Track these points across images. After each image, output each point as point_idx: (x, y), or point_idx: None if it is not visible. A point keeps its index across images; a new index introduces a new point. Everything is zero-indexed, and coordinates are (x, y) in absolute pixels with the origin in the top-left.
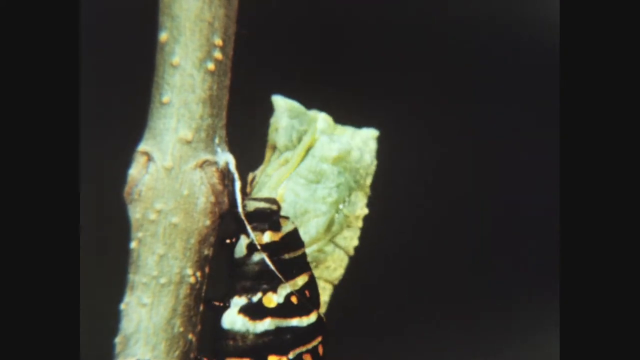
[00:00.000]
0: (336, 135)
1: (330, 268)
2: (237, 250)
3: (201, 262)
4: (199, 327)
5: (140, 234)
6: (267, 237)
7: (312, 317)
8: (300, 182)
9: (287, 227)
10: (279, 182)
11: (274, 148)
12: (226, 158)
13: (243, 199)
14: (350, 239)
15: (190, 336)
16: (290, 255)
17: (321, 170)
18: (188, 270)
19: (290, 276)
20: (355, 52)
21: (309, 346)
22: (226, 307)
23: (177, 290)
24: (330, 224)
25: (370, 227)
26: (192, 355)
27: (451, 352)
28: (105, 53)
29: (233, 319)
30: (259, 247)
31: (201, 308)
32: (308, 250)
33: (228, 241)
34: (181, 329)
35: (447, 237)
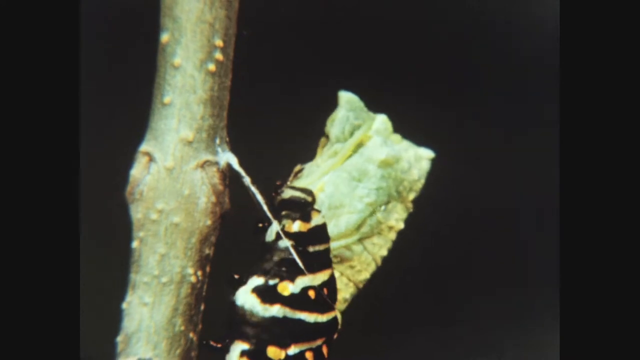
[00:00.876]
0: (391, 141)
1: (355, 268)
2: (268, 234)
3: (202, 262)
4: (199, 326)
5: (141, 234)
6: (297, 226)
7: (324, 317)
8: (343, 177)
9: (316, 220)
10: (325, 172)
11: (327, 139)
12: (227, 158)
13: (264, 192)
14: (380, 247)
15: (191, 335)
16: (314, 248)
17: (365, 169)
18: (189, 269)
19: (311, 269)
20: (355, 52)
21: (313, 344)
22: (243, 282)
23: (178, 290)
24: (361, 223)
25: None
26: (193, 354)
27: (451, 351)
28: (106, 54)
29: (245, 296)
30: (283, 236)
31: (202, 307)
32: (335, 244)
33: (260, 225)
34: (182, 328)
35: (447, 237)
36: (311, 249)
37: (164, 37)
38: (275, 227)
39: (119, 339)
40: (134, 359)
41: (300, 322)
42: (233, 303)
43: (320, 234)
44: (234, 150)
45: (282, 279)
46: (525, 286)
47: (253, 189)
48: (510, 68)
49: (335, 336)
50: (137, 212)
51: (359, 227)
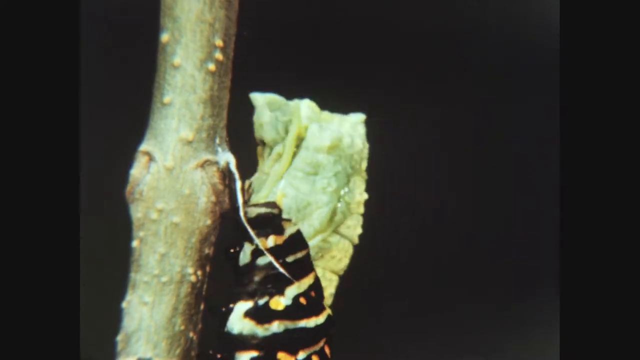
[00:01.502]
0: (325, 122)
1: (336, 258)
2: (242, 258)
3: (202, 261)
4: (199, 326)
5: (141, 233)
6: (271, 241)
7: (320, 318)
8: (299, 176)
9: (290, 230)
10: (278, 178)
11: (264, 145)
12: (227, 158)
13: (244, 202)
14: (354, 227)
15: (191, 334)
16: (294, 257)
17: (317, 161)
18: (189, 269)
19: (296, 277)
20: (355, 52)
21: (317, 347)
22: (229, 311)
23: (178, 289)
24: (333, 213)
25: (366, 218)
26: (193, 353)
27: (451, 351)
28: (106, 54)
29: (240, 323)
30: (265, 252)
31: (202, 307)
32: (313, 242)
33: (232, 250)
34: (182, 327)
35: (447, 237)
36: (291, 258)
37: (164, 37)
38: (247, 248)
39: (119, 338)
40: (133, 358)
41: (303, 329)
42: (229, 334)
43: (296, 241)
44: (234, 150)
45: (271, 296)
46: (525, 286)
47: (239, 196)
48: (510, 68)
49: (332, 335)
50: (137, 212)
51: (332, 217)
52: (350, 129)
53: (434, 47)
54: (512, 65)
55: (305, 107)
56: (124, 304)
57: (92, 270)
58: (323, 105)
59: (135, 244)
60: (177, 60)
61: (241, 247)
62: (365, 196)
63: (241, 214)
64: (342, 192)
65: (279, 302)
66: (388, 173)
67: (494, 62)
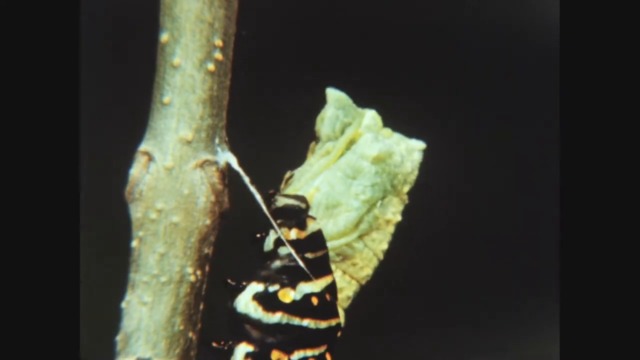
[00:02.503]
0: (382, 136)
1: (357, 266)
2: (265, 244)
3: (201, 261)
4: (199, 326)
5: (141, 233)
6: (294, 234)
7: (325, 324)
8: (338, 175)
9: (312, 227)
10: (319, 172)
11: (318, 141)
12: (227, 157)
13: (262, 194)
14: (379, 242)
15: (190, 334)
16: (313, 255)
17: (359, 166)
18: (188, 269)
19: (312, 276)
20: (355, 51)
21: (316, 351)
22: (241, 288)
23: (178, 289)
24: (360, 221)
25: None
26: (192, 353)
27: (451, 351)
28: (106, 54)
29: (247, 303)
30: (282, 243)
31: (201, 307)
32: (336, 243)
33: (258, 235)
34: (181, 327)
35: (447, 237)
36: (309, 255)
37: (163, 37)
38: (272, 236)
39: (118, 338)
40: (133, 358)
41: (303, 328)
42: (234, 309)
43: (317, 240)
44: (233, 149)
45: (282, 286)
46: (525, 286)
47: (252, 188)
48: (510, 68)
49: (338, 334)
50: (136, 212)
51: (357, 224)
52: (405, 151)
53: (433, 47)
54: (512, 65)
55: (370, 117)
56: (123, 304)
57: (92, 270)
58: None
59: (134, 243)
60: (176, 60)
61: (267, 233)
62: (399, 218)
63: (259, 200)
64: (374, 204)
65: (288, 295)
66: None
67: (493, 62)
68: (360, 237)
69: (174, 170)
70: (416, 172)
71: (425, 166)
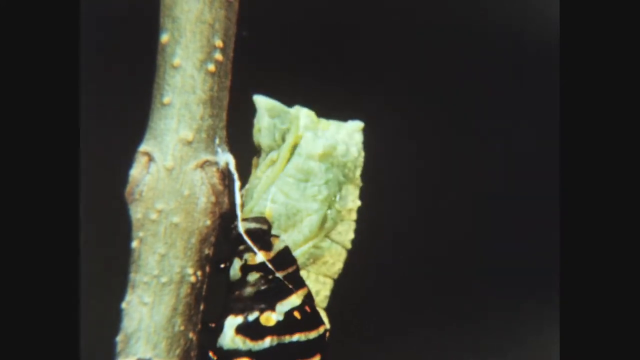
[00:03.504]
0: (320, 130)
1: (328, 263)
2: (232, 274)
3: (202, 262)
4: (199, 326)
5: (141, 234)
6: (260, 257)
7: (315, 333)
8: (289, 182)
9: (278, 245)
10: (268, 183)
11: (260, 151)
12: (226, 158)
13: (242, 204)
14: (345, 232)
15: (191, 335)
16: (283, 272)
17: (309, 168)
18: (189, 269)
19: (288, 293)
20: (356, 51)
21: None
22: (220, 327)
23: (178, 290)
24: (323, 221)
25: (365, 220)
26: (193, 354)
27: (451, 351)
28: (106, 54)
29: (232, 339)
30: (249, 269)
31: (202, 307)
32: (304, 248)
33: (222, 265)
34: (182, 328)
35: (446, 237)
36: (280, 274)
37: (164, 38)
38: (237, 264)
39: (119, 338)
40: (133, 359)
41: (295, 343)
42: (221, 349)
43: (285, 258)
44: (233, 150)
45: (261, 311)
46: (525, 286)
47: (238, 196)
48: (510, 68)
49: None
50: (136, 212)
51: (322, 224)
52: (346, 136)
53: (432, 47)
54: (511, 65)
55: (304, 116)
56: (123, 305)
57: (92, 270)
58: (322, 108)
59: (134, 244)
60: (176, 61)
61: (231, 262)
62: (358, 203)
63: (238, 214)
64: (333, 200)
65: (270, 318)
66: (385, 172)
67: (493, 62)
68: (326, 234)
69: (175, 170)
70: (362, 154)
71: (426, 166)
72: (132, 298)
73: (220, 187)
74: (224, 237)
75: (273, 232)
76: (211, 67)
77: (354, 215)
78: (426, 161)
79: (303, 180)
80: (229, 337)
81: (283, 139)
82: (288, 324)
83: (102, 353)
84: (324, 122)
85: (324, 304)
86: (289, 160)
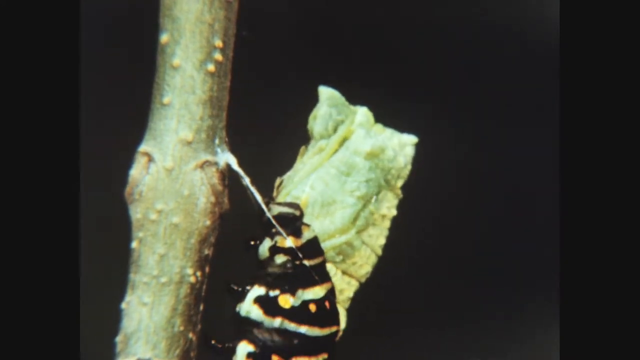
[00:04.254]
0: (374, 131)
1: (357, 264)
2: (261, 253)
3: (201, 262)
4: (199, 326)
5: (141, 234)
6: (289, 242)
7: (324, 331)
8: (332, 172)
9: (308, 234)
10: (312, 170)
11: (309, 141)
12: (227, 158)
13: (263, 197)
14: (377, 237)
15: (190, 335)
16: (310, 262)
17: (353, 163)
18: (188, 269)
19: (310, 283)
20: (356, 52)
21: (313, 359)
22: (244, 292)
23: (178, 290)
24: (356, 217)
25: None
26: (192, 354)
27: (451, 351)
28: (106, 54)
29: (249, 308)
30: (277, 251)
31: (201, 307)
32: (336, 241)
33: (253, 243)
34: (181, 328)
35: (446, 237)
36: (307, 262)
37: (164, 38)
38: (267, 243)
39: (118, 338)
40: (133, 359)
41: (300, 335)
42: (237, 313)
43: (313, 247)
44: (233, 150)
45: (282, 292)
46: (525, 286)
47: (252, 189)
48: (510, 68)
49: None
50: (136, 213)
51: (354, 220)
52: (397, 145)
53: (433, 47)
54: (511, 64)
55: (362, 114)
56: (123, 305)
57: (92, 271)
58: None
59: (134, 244)
60: (176, 61)
61: (262, 241)
62: (394, 212)
63: (263, 207)
64: (369, 200)
65: (287, 300)
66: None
67: (493, 62)
68: (358, 233)
69: (174, 171)
70: (409, 167)
71: (425, 166)
72: (131, 298)
73: (220, 188)
74: (257, 218)
75: (306, 218)
76: (211, 67)
77: (387, 223)
78: (426, 161)
79: (345, 174)
80: (248, 303)
81: (335, 130)
82: (300, 313)
83: (102, 353)
84: (379, 126)
85: (346, 304)
86: (336, 152)
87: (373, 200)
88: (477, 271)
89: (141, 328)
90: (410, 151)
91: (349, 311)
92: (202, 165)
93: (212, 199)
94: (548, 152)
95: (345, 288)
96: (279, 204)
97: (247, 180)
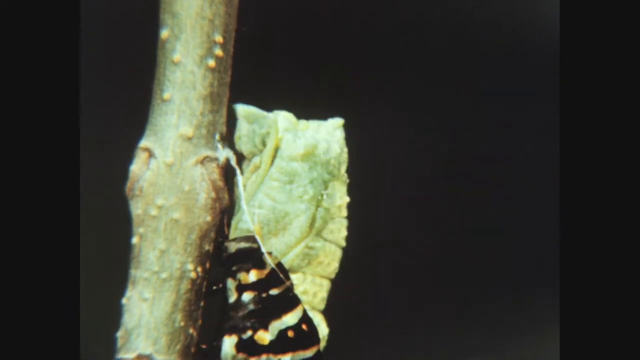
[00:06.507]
0: (300, 131)
1: (324, 263)
2: (229, 295)
3: (202, 258)
4: (199, 322)
5: (141, 230)
6: (253, 275)
7: (309, 352)
8: (275, 186)
9: (271, 262)
10: (254, 189)
11: (242, 159)
12: (227, 154)
13: (218, 237)
14: (338, 230)
15: (191, 330)
16: (278, 290)
17: (292, 169)
18: (189, 265)
19: (281, 312)
20: (357, 48)
21: None
22: (218, 347)
23: (178, 285)
24: (313, 220)
25: (362, 219)
26: (193, 350)
27: (451, 351)
28: (106, 50)
29: (233, 357)
30: (243, 288)
31: (202, 303)
32: (297, 250)
33: (215, 287)
34: (182, 324)
35: (446, 237)
36: (275, 291)
37: (164, 33)
38: (231, 285)
39: (119, 334)
40: (134, 354)
41: None
42: None
43: (277, 275)
44: (233, 146)
45: (255, 330)
46: (525, 286)
47: (241, 189)
48: (510, 67)
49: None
50: (136, 208)
51: (312, 224)
52: (326, 134)
53: (432, 47)
54: (512, 65)
55: (282, 119)
56: (124, 300)
57: (92, 266)
58: (320, 102)
59: (135, 240)
60: (176, 57)
61: (224, 283)
62: (347, 199)
63: (243, 205)
64: (320, 199)
65: (263, 338)
66: (387, 174)
67: (493, 62)
68: (318, 234)
69: (175, 166)
70: (345, 149)
71: (425, 166)
72: (132, 294)
73: (220, 183)
74: (215, 258)
75: (265, 238)
76: (211, 62)
77: (344, 212)
78: (425, 161)
79: (288, 182)
80: (230, 355)
81: (264, 144)
82: (281, 344)
83: (103, 349)
84: (303, 123)
85: (321, 306)
86: (271, 164)
87: (324, 197)
88: (477, 271)
89: (142, 323)
90: (340, 134)
91: (346, 313)
92: (203, 161)
93: (213, 194)
94: (548, 151)
95: (318, 290)
96: (234, 240)
97: (240, 179)
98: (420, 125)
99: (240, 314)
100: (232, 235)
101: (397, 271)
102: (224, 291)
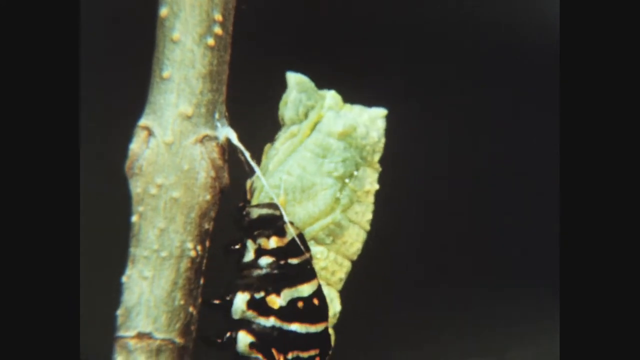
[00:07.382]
0: (343, 111)
1: (347, 243)
2: (246, 255)
3: (201, 236)
4: (199, 300)
5: (141, 208)
6: (273, 242)
7: (316, 328)
8: (307, 156)
9: (292, 232)
10: (286, 155)
11: (283, 123)
12: (226, 133)
13: (240, 201)
14: (363, 213)
15: (190, 309)
16: (297, 260)
17: (327, 144)
18: (189, 244)
19: (296, 282)
20: (357, 49)
21: (305, 354)
22: (230, 302)
23: (178, 264)
24: (338, 196)
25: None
26: (193, 328)
27: (451, 351)
28: (105, 28)
29: (243, 312)
30: (262, 253)
31: (202, 281)
32: (324, 223)
33: (233, 247)
34: (182, 302)
35: (446, 237)
36: (294, 261)
37: (163, 11)
38: (251, 246)
39: (119, 312)
40: (134, 332)
41: (293, 333)
42: (233, 321)
43: (298, 245)
44: (233, 125)
45: (267, 293)
46: (525, 286)
47: (253, 163)
48: (510, 67)
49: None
50: (136, 187)
51: (337, 200)
52: (368, 121)
53: (432, 47)
54: (511, 64)
55: (330, 97)
56: (124, 279)
57: (92, 245)
58: (322, 81)
59: (134, 218)
60: (176, 35)
61: (243, 244)
62: (376, 186)
63: (262, 179)
64: (348, 180)
65: (275, 302)
66: (396, 169)
67: (493, 62)
68: (344, 212)
69: (174, 145)
70: (383, 140)
71: (425, 166)
72: (132, 272)
73: (219, 162)
74: (235, 222)
75: (289, 204)
76: (210, 41)
77: (371, 198)
78: (425, 161)
79: (321, 156)
80: (241, 310)
81: (306, 115)
82: (289, 312)
83: (103, 326)
84: (348, 106)
85: (339, 286)
86: (308, 136)
87: (353, 177)
88: (477, 271)
89: (142, 302)
90: (381, 124)
91: (347, 312)
92: (202, 140)
93: (212, 173)
94: (548, 152)
95: (337, 269)
96: (257, 206)
97: (247, 154)
98: (420, 125)
99: (255, 274)
100: (254, 201)
101: (396, 271)
102: (237, 252)
